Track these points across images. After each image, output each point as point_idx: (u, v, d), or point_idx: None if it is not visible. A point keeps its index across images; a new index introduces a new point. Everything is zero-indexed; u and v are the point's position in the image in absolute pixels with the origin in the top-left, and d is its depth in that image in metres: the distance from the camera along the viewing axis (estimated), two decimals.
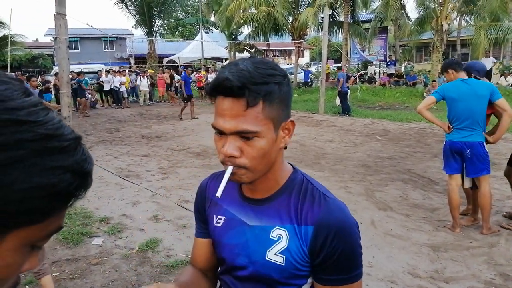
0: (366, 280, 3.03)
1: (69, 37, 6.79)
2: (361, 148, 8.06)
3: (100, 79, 17.37)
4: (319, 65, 24.07)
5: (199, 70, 20.17)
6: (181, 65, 25.79)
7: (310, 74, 23.74)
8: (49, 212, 0.45)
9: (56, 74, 14.42)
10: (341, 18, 21.93)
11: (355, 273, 0.88)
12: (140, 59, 29.53)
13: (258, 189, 0.94)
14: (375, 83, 21.65)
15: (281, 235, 0.90)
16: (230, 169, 0.84)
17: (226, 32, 26.31)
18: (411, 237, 3.86)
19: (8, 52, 17.17)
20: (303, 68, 24.09)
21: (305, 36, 22.92)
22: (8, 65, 15.56)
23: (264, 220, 0.92)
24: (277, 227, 0.91)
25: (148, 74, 19.28)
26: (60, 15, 5.84)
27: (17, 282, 0.49)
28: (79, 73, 14.81)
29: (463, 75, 3.87)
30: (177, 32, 39.62)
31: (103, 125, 11.96)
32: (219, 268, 1.06)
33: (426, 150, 7.70)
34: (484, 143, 3.79)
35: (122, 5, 27.74)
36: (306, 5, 20.57)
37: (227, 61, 28.23)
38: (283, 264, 0.89)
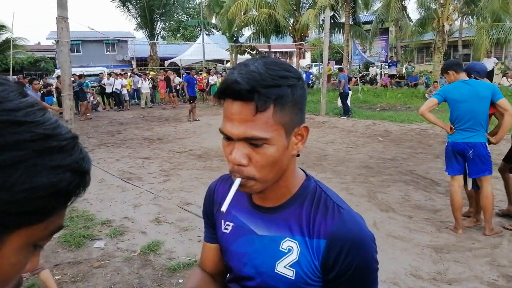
0: None
1: (71, 40, 6.81)
2: (362, 149, 8.04)
3: (102, 82, 17.42)
4: (320, 67, 24.03)
5: (200, 72, 20.21)
6: (182, 67, 25.85)
7: (311, 76, 23.75)
8: (51, 211, 0.45)
9: (58, 77, 14.47)
10: (342, 20, 21.95)
11: None
12: (142, 62, 29.61)
13: (269, 197, 0.89)
14: (376, 84, 21.65)
15: (292, 247, 0.85)
16: (238, 181, 0.79)
17: (227, 34, 26.32)
18: (413, 239, 3.85)
19: (10, 56, 17.24)
20: (305, 69, 24.11)
21: (306, 38, 22.96)
22: (10, 69, 15.63)
23: (274, 230, 0.88)
24: (287, 238, 0.86)
25: (150, 76, 19.32)
26: (62, 18, 5.86)
27: (20, 283, 0.50)
28: (80, 76, 14.85)
29: (463, 76, 3.86)
30: (178, 35, 39.69)
31: (105, 128, 11.98)
32: (228, 275, 1.02)
33: (428, 151, 7.68)
34: (487, 144, 3.78)
35: (123, 8, 27.85)
36: (307, 7, 20.60)
37: (228, 63, 28.30)
38: (293, 278, 0.84)
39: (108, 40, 30.85)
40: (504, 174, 4.32)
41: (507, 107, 3.69)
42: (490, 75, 14.45)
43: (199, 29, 31.53)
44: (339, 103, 13.66)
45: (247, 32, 25.38)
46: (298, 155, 0.86)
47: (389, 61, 23.04)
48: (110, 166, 6.95)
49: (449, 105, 3.89)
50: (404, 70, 22.21)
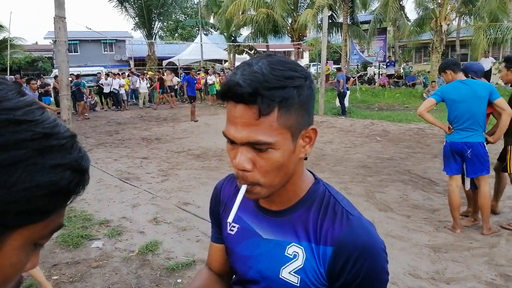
0: None
1: (69, 40, 6.80)
2: (361, 149, 8.05)
3: (99, 82, 17.40)
4: (318, 66, 24.08)
5: (198, 72, 20.21)
6: (180, 67, 25.83)
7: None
8: (51, 210, 0.45)
9: (55, 77, 14.43)
10: (340, 19, 21.98)
11: None
12: (140, 62, 29.57)
13: (275, 201, 0.86)
14: (374, 84, 21.68)
15: (297, 253, 0.82)
16: (243, 188, 0.77)
17: (225, 34, 26.34)
18: (411, 238, 3.86)
19: (7, 55, 17.18)
20: None
21: (305, 38, 22.95)
22: (8, 68, 15.59)
23: (279, 234, 0.85)
24: (293, 243, 0.83)
25: (148, 76, 19.31)
26: (60, 18, 5.85)
27: (20, 282, 0.50)
28: (77, 76, 14.82)
29: (461, 76, 3.86)
30: (176, 34, 39.68)
31: (103, 128, 11.96)
32: (233, 276, 1.01)
33: (426, 151, 7.70)
34: (485, 144, 3.79)
35: (121, 8, 27.82)
36: (305, 7, 20.62)
37: (226, 63, 28.29)
38: (298, 285, 0.82)
39: (106, 40, 30.81)
40: (498, 173, 4.35)
41: (505, 106, 3.70)
42: (487, 74, 14.50)
43: (197, 28, 31.56)
44: (338, 103, 13.70)
45: (245, 31, 25.42)
46: (306, 158, 0.83)
47: (387, 61, 23.09)
48: (108, 166, 6.94)
49: (447, 105, 3.90)
50: (402, 70, 22.26)
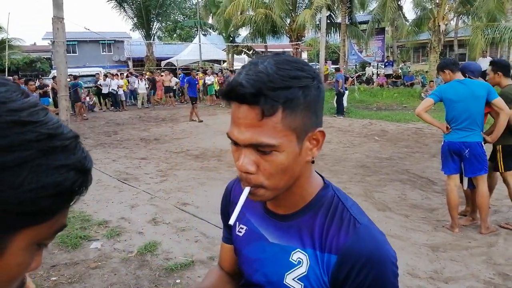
0: None
1: (67, 41, 6.79)
2: (359, 149, 8.06)
3: (98, 83, 17.38)
4: (317, 67, 24.10)
5: (197, 72, 20.21)
6: (179, 68, 25.82)
7: None
8: (56, 210, 0.46)
9: (54, 77, 14.41)
10: (339, 20, 22.00)
11: None
12: (138, 62, 29.53)
13: (282, 205, 0.84)
14: (373, 84, 21.70)
15: (302, 259, 0.80)
16: (246, 190, 0.75)
17: (224, 34, 26.33)
18: (410, 238, 3.86)
19: (5, 56, 17.14)
20: None
21: (303, 38, 22.93)
22: (6, 69, 15.54)
23: (285, 239, 0.83)
24: (298, 250, 0.81)
25: (146, 77, 19.30)
26: (58, 19, 5.84)
27: (24, 282, 0.50)
28: (75, 77, 14.80)
29: (459, 75, 3.87)
30: (175, 35, 39.63)
31: (101, 128, 11.95)
32: (242, 279, 0.99)
33: (425, 150, 7.71)
34: (482, 143, 3.80)
35: (120, 8, 27.78)
36: (303, 7, 20.61)
37: (225, 63, 28.28)
38: None
39: (105, 40, 30.79)
40: (489, 173, 4.33)
41: (503, 106, 3.71)
42: (485, 74, 14.50)
43: (196, 29, 31.54)
44: (335, 102, 13.71)
45: (244, 32, 25.40)
46: (313, 162, 0.80)
47: (386, 60, 23.12)
48: (107, 167, 6.93)
49: (445, 105, 3.91)
50: (400, 70, 22.30)
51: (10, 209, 0.41)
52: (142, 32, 29.02)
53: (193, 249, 3.70)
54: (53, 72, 18.00)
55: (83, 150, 0.49)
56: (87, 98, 16.60)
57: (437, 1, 18.00)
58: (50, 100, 14.29)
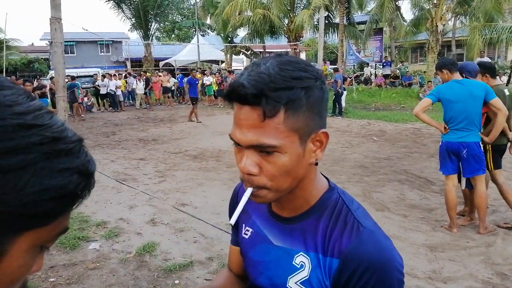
0: None
1: (65, 41, 6.77)
2: (357, 149, 8.07)
3: (96, 83, 17.35)
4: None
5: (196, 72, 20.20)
6: (177, 68, 25.79)
7: None
8: (59, 213, 0.46)
9: (51, 78, 14.39)
10: (337, 20, 22.02)
11: None
12: (136, 63, 29.51)
13: (286, 207, 0.84)
14: (371, 84, 21.74)
15: (304, 263, 0.80)
16: (249, 191, 0.74)
17: (222, 34, 26.32)
18: (408, 238, 3.87)
19: (3, 57, 17.12)
20: None
21: (301, 38, 22.97)
22: (4, 70, 15.52)
23: (289, 242, 0.83)
24: (301, 253, 0.80)
25: (144, 77, 19.27)
26: (56, 19, 5.83)
27: (25, 285, 0.50)
28: (72, 78, 14.77)
29: (457, 75, 3.87)
30: (173, 35, 39.59)
31: (100, 129, 11.93)
32: (248, 281, 0.99)
33: (423, 151, 7.72)
34: (480, 143, 3.81)
35: (118, 9, 27.75)
36: (301, 7, 20.63)
37: (223, 64, 28.27)
38: None
39: (103, 41, 30.75)
40: None
41: (500, 106, 3.71)
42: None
43: (194, 29, 31.49)
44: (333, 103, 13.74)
45: (242, 32, 25.38)
46: (316, 164, 0.79)
47: (384, 61, 23.15)
48: (105, 167, 6.92)
49: (443, 105, 3.91)
50: (398, 70, 22.35)
51: (13, 211, 0.42)
52: (140, 33, 28.98)
53: (192, 250, 3.70)
54: (51, 73, 17.97)
55: (87, 154, 0.49)
56: (85, 99, 16.57)
57: (435, 2, 18.06)
58: (49, 101, 14.25)
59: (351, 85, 19.13)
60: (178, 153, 8.08)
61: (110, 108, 17.19)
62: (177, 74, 21.14)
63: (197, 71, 19.94)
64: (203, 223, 4.32)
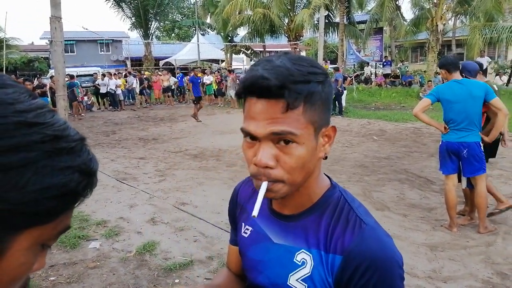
0: None
1: (65, 40, 6.77)
2: (358, 148, 8.07)
3: (96, 82, 17.35)
4: None
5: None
6: (177, 67, 25.80)
7: None
8: (60, 211, 0.46)
9: (51, 77, 14.38)
10: (337, 19, 22.02)
11: None
12: (136, 62, 29.49)
13: (288, 204, 0.83)
14: (371, 84, 21.74)
15: (306, 260, 0.79)
16: (265, 185, 0.72)
17: (222, 34, 26.29)
18: (408, 237, 3.87)
19: (3, 56, 17.10)
20: None
21: (301, 38, 22.97)
22: (4, 69, 15.50)
23: (290, 239, 0.83)
24: (302, 250, 0.80)
25: (145, 76, 19.28)
26: (56, 18, 5.82)
27: (26, 283, 0.50)
28: (71, 77, 14.77)
29: (457, 75, 3.85)
30: (173, 34, 39.58)
31: (100, 128, 11.93)
32: (247, 281, 0.99)
33: (423, 150, 7.72)
34: (480, 143, 3.81)
35: (118, 8, 27.73)
36: (301, 7, 20.63)
37: (223, 63, 28.26)
38: None
39: (103, 40, 30.73)
40: None
41: (500, 106, 3.71)
42: (486, 71, 14.52)
43: (194, 28, 31.47)
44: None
45: (242, 31, 25.44)
46: (326, 158, 0.80)
47: (384, 60, 23.14)
48: (105, 167, 6.92)
49: (442, 105, 3.90)
50: (398, 70, 22.35)
51: (14, 209, 0.42)
52: (140, 32, 28.97)
53: (192, 249, 3.70)
54: (51, 72, 17.94)
55: (89, 152, 0.49)
56: (85, 98, 16.57)
57: (435, 1, 18.05)
58: (49, 99, 14.25)
59: (351, 84, 19.13)
60: (178, 152, 8.08)
61: (110, 107, 17.20)
62: (177, 73, 21.14)
63: (199, 69, 19.97)
64: (203, 222, 4.32)
